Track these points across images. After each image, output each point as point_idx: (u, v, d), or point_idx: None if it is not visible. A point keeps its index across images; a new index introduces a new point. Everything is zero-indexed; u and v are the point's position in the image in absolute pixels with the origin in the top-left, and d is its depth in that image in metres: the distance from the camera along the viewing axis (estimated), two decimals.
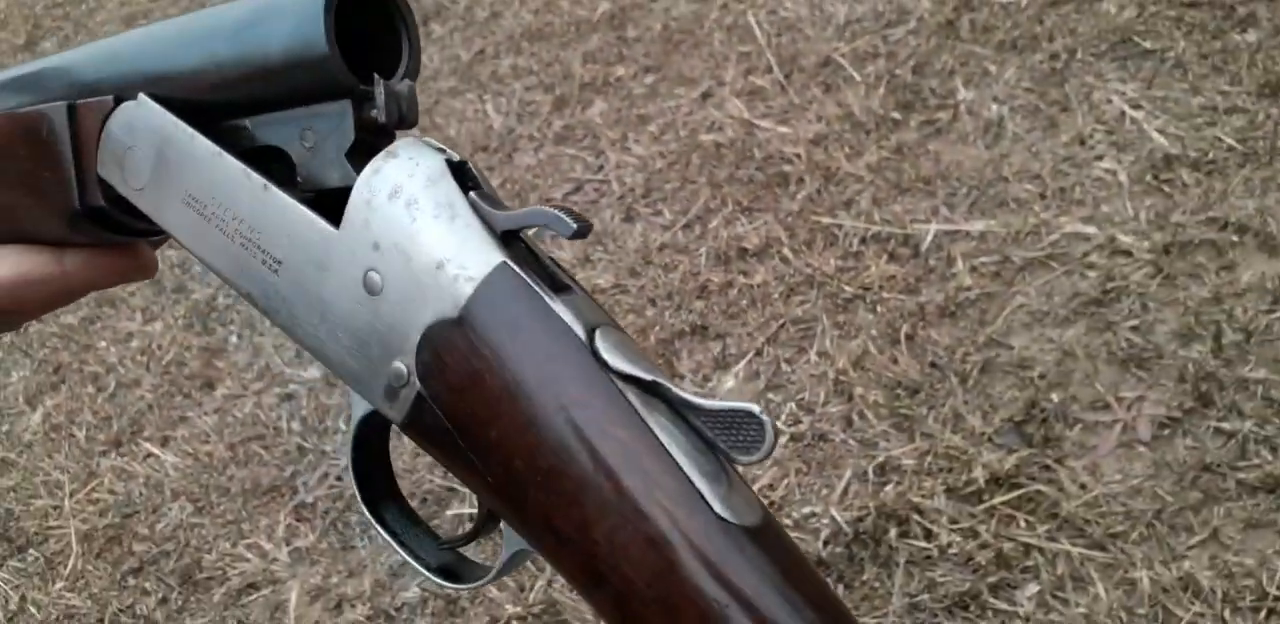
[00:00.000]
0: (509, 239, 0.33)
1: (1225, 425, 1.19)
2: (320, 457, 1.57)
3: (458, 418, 0.33)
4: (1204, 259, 1.37)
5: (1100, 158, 1.57)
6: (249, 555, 1.47)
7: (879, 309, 1.46)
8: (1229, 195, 1.43)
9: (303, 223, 0.35)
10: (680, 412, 0.31)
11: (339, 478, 1.54)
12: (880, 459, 1.28)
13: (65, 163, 0.41)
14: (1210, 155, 1.49)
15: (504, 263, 0.32)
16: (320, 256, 0.35)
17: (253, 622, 1.40)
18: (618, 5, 2.35)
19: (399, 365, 0.34)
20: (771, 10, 2.16)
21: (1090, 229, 1.47)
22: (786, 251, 1.59)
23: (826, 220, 1.62)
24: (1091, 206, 1.50)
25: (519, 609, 1.27)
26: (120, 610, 1.49)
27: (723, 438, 0.30)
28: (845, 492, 1.27)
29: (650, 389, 0.31)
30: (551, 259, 0.35)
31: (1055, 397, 1.29)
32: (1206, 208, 1.42)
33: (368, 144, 0.35)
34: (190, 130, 0.38)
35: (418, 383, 0.33)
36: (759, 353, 1.47)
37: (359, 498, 0.39)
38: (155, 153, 0.39)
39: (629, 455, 0.31)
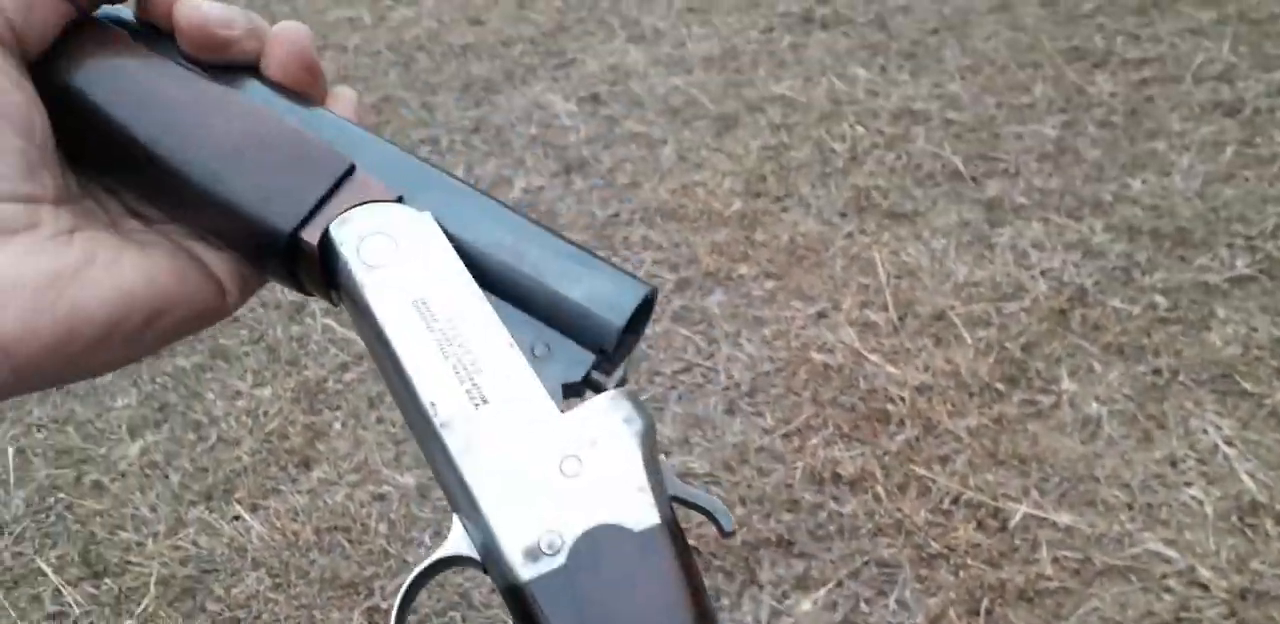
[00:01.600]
0: (673, 502, 0.39)
1: None
2: (401, 564, 1.58)
3: (591, 612, 0.36)
4: (1278, 614, 1.45)
5: (1189, 484, 1.67)
6: None
7: (961, 574, 1.52)
8: None
9: (533, 390, 0.39)
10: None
11: None
12: None
13: (310, 192, 0.41)
14: None
15: (673, 521, 0.38)
16: (528, 420, 0.38)
17: None
18: (750, 207, 2.49)
19: (555, 538, 0.36)
20: (894, 251, 2.29)
21: (1172, 553, 1.54)
22: (879, 490, 1.66)
23: (922, 471, 1.70)
24: (1175, 530, 1.58)
25: None
26: None
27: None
28: None
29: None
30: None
31: None
32: None
33: (580, 384, 0.40)
34: (461, 264, 0.40)
35: (563, 559, 0.36)
36: (840, 584, 1.51)
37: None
38: (409, 254, 0.40)
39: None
